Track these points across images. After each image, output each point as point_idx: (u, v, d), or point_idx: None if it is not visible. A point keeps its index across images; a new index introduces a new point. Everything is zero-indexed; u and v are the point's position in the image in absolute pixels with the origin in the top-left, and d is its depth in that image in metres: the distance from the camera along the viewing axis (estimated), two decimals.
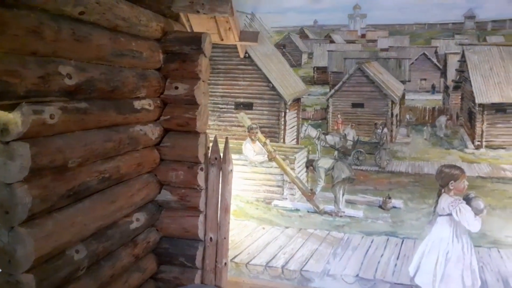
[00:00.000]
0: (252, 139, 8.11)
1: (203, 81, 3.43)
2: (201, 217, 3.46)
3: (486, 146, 4.67)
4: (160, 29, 3.31)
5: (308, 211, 7.43)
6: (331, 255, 5.08)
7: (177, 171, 3.42)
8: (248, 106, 10.47)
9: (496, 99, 4.59)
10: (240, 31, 5.30)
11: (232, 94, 10.52)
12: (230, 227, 3.58)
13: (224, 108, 10.37)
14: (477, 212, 4.18)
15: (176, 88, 3.38)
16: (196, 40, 3.35)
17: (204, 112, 3.45)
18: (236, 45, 7.83)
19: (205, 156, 3.47)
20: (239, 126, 9.39)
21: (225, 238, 3.52)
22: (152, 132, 3.32)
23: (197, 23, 4.25)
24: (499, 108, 4.68)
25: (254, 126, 8.23)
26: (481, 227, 4.18)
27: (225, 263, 3.55)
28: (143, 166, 3.24)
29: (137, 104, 3.11)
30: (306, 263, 4.85)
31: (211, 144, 3.56)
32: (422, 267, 4.31)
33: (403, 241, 5.33)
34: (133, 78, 3.00)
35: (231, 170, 3.55)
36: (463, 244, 4.26)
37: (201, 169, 3.41)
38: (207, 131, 3.61)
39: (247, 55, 10.21)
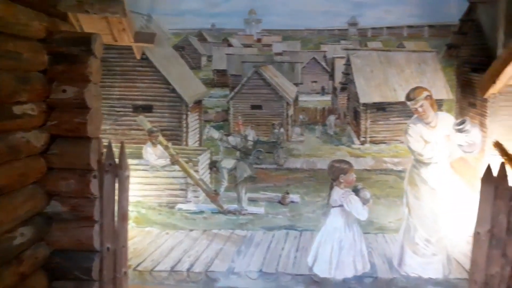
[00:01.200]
0: (153, 143, 7.89)
1: (94, 84, 3.25)
2: (96, 227, 3.28)
3: (370, 142, 5.15)
4: (43, 28, 3.07)
5: (212, 212, 7.47)
6: (235, 253, 5.16)
7: (67, 180, 3.20)
8: (147, 109, 10.16)
9: (377, 99, 5.08)
10: (135, 32, 5.12)
11: (129, 97, 10.10)
12: (131, 234, 3.45)
13: (121, 111, 9.91)
14: (364, 201, 4.57)
15: (64, 91, 3.16)
16: (85, 40, 3.18)
17: (95, 116, 3.28)
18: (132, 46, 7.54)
19: (99, 163, 3.30)
20: (138, 129, 9.06)
21: (123, 247, 3.39)
22: (37, 139, 3.06)
23: (88, 23, 4.02)
24: (380, 107, 5.19)
25: (154, 129, 8.02)
26: (368, 215, 4.60)
27: (125, 272, 3.41)
28: (27, 176, 2.97)
29: (17, 109, 2.84)
30: (211, 264, 4.86)
31: (105, 150, 3.40)
32: (319, 257, 4.58)
33: (301, 233, 5.61)
34: (11, 81, 2.73)
35: (128, 176, 3.42)
36: (354, 232, 4.62)
37: (94, 177, 3.23)
38: (102, 136, 3.44)
39: (144, 56, 9.90)
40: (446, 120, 4.57)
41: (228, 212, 7.44)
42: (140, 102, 10.05)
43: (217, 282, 4.53)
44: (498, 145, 3.51)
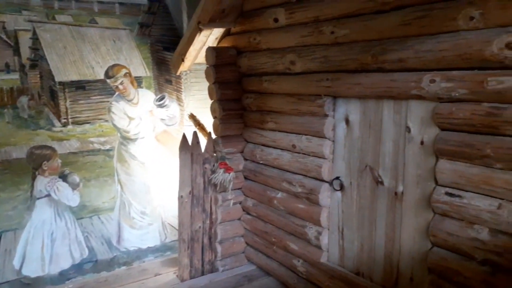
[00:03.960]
0: None
1: None
2: None
3: (73, 123, 4.84)
4: None
5: None
6: None
7: None
8: None
9: (74, 77, 4.78)
10: None
11: None
12: None
13: None
14: (74, 187, 4.37)
15: None
16: None
17: None
18: None
19: None
20: None
21: None
22: None
23: None
24: (79, 86, 4.92)
25: None
26: (80, 199, 4.42)
27: None
28: None
29: None
30: None
31: None
32: (28, 256, 4.15)
33: (1, 235, 4.81)
34: None
35: None
36: (66, 221, 4.38)
37: None
38: None
39: None
40: (147, 96, 4.83)
41: None
42: None
43: None
44: (192, 117, 3.97)
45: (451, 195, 2.13)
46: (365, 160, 2.69)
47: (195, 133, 3.69)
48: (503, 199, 1.93)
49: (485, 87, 1.92)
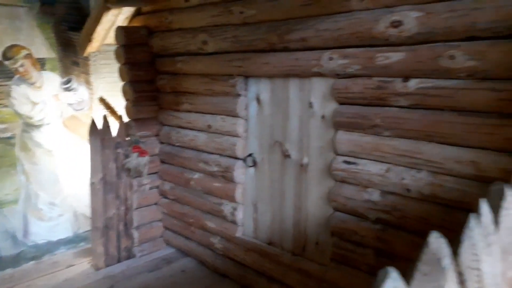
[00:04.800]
0: None
1: None
2: None
3: None
4: None
5: None
6: None
7: None
8: None
9: None
10: None
11: None
12: None
13: None
14: None
15: None
16: None
17: None
18: None
19: None
20: None
21: None
22: None
23: None
24: None
25: None
26: None
27: None
28: None
29: None
30: None
31: None
32: None
33: None
34: None
35: None
36: None
37: None
38: None
39: None
40: (52, 79, 4.55)
41: None
42: None
43: None
44: (102, 100, 3.83)
45: (348, 163, 2.33)
46: (274, 136, 2.81)
47: (105, 117, 3.56)
48: (390, 163, 2.16)
49: (374, 62, 2.12)
